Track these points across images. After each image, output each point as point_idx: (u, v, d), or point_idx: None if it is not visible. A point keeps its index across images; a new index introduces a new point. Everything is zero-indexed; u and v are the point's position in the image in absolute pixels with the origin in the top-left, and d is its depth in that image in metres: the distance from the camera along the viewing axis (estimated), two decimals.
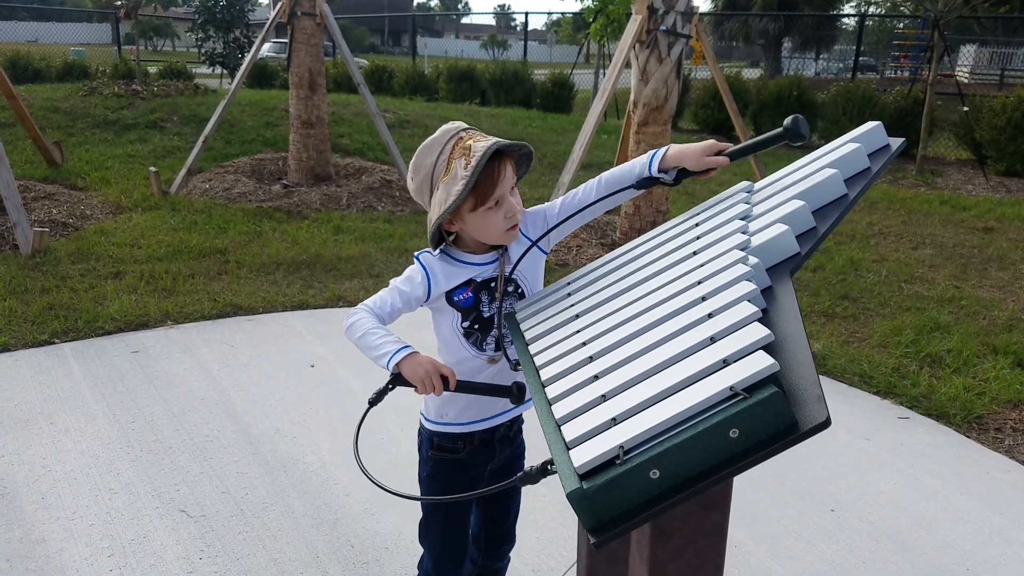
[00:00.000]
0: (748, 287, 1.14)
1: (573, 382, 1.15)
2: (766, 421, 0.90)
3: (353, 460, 3.16)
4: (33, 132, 7.14)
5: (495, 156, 1.55)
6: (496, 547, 2.04)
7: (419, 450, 1.89)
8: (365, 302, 1.66)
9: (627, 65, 6.45)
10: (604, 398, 1.06)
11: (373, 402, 1.56)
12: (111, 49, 20.00)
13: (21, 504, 2.76)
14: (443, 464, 1.83)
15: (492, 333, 1.70)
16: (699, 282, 1.26)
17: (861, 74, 18.22)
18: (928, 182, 9.47)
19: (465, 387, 1.58)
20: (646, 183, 1.63)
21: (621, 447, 0.93)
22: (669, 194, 6.58)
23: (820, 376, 4.02)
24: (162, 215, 6.36)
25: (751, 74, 17.49)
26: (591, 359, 1.19)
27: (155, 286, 4.93)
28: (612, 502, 0.91)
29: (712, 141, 1.63)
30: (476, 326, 1.69)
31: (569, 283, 1.59)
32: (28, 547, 2.54)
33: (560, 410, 1.09)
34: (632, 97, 6.42)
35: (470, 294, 1.68)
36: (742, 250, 1.30)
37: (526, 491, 2.94)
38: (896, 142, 1.52)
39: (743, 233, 1.36)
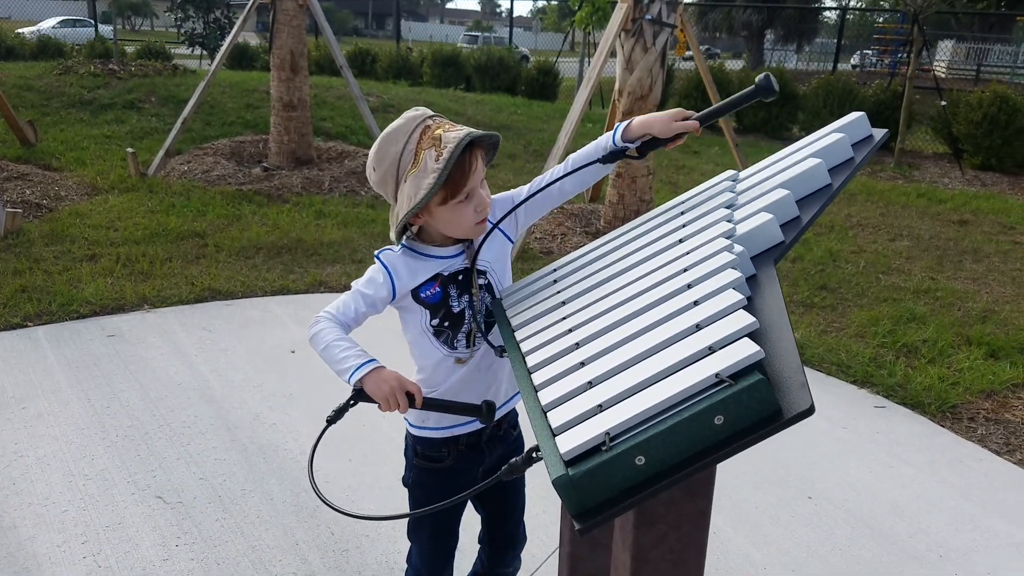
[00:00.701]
0: (733, 275, 1.14)
1: (559, 368, 1.14)
2: (751, 408, 0.90)
3: (333, 446, 3.16)
4: (6, 111, 6.99)
5: (466, 147, 1.46)
6: (502, 552, 1.94)
7: (405, 454, 1.81)
8: (327, 309, 1.57)
9: (612, 54, 6.43)
10: (591, 384, 1.06)
11: (331, 420, 1.47)
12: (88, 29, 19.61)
13: None
14: (428, 473, 1.74)
15: (463, 329, 1.62)
16: (684, 270, 1.26)
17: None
18: (906, 175, 9.58)
19: (432, 405, 1.51)
20: (612, 156, 1.56)
21: (607, 433, 0.92)
22: (653, 184, 6.59)
23: None
24: (139, 197, 6.26)
25: (734, 65, 17.54)
26: (577, 346, 1.19)
27: (132, 269, 4.86)
28: (598, 488, 0.91)
29: (679, 109, 1.56)
30: (446, 323, 1.61)
31: (555, 270, 1.58)
32: None
33: (546, 396, 1.08)
34: (617, 86, 6.41)
35: (437, 289, 1.59)
36: (727, 238, 1.30)
37: None
38: (879, 133, 1.53)
39: (728, 222, 1.36)
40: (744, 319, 1.00)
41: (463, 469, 1.73)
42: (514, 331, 1.37)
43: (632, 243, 1.52)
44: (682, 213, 1.54)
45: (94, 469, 2.87)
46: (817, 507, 2.88)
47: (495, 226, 1.58)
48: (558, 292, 1.44)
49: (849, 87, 11.57)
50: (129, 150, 6.85)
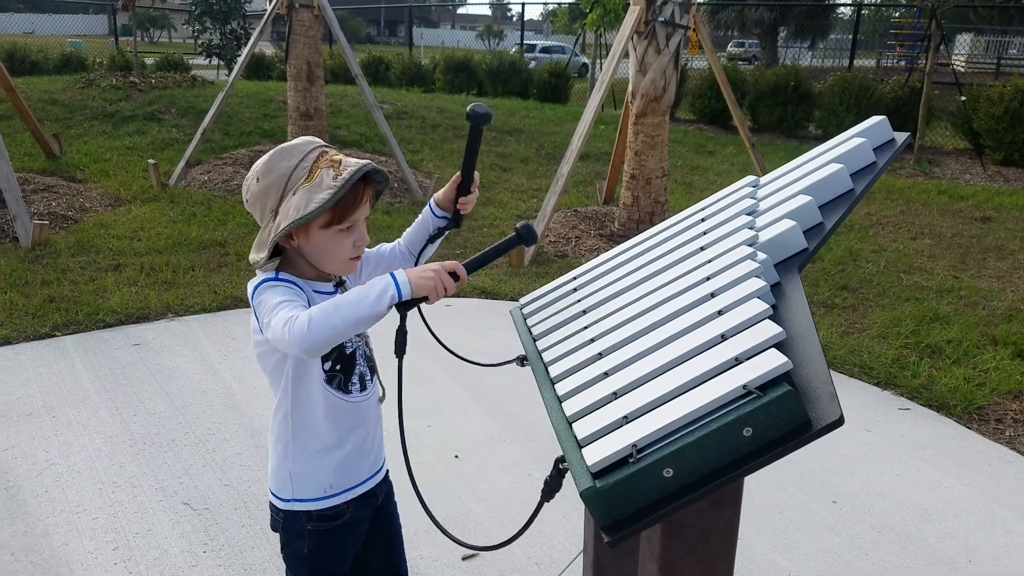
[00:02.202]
0: (758, 284, 1.14)
1: (583, 379, 1.15)
2: (780, 419, 0.90)
3: None
4: (32, 124, 7.11)
5: (361, 179, 1.42)
6: None
7: (281, 530, 1.59)
8: (284, 318, 1.30)
9: (625, 56, 6.43)
10: (615, 395, 1.07)
11: (400, 351, 1.36)
12: (108, 41, 19.89)
13: (25, 498, 2.76)
14: (327, 535, 1.57)
15: (355, 372, 1.53)
16: (707, 278, 1.27)
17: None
18: (926, 172, 9.48)
19: (476, 263, 1.44)
20: (438, 234, 1.69)
21: (634, 445, 0.93)
22: (668, 185, 6.58)
23: None
24: (161, 207, 6.34)
25: (746, 64, 17.45)
26: (600, 355, 1.20)
27: (155, 278, 4.92)
28: (626, 500, 0.91)
29: (453, 178, 1.66)
30: (338, 366, 1.49)
31: (574, 278, 1.59)
32: (33, 540, 2.55)
33: (571, 407, 1.09)
34: (630, 88, 6.41)
35: None
36: (750, 246, 1.30)
37: (528, 484, 2.96)
38: (901, 136, 1.52)
39: (750, 229, 1.36)
40: (771, 329, 1.01)
41: (361, 518, 1.62)
42: (535, 340, 1.37)
43: (652, 251, 1.52)
44: (703, 220, 1.54)
45: (123, 476, 2.91)
46: (842, 511, 2.86)
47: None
48: (578, 301, 1.44)
49: (866, 84, 11.48)
50: (151, 161, 6.94)
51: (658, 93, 6.27)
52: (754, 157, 7.27)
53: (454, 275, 1.34)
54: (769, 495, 2.94)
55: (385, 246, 1.70)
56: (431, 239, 1.70)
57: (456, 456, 3.14)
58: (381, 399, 1.63)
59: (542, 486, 1.14)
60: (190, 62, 15.08)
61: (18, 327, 4.15)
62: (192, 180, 7.10)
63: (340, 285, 1.54)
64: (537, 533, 2.67)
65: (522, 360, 1.41)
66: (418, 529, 2.67)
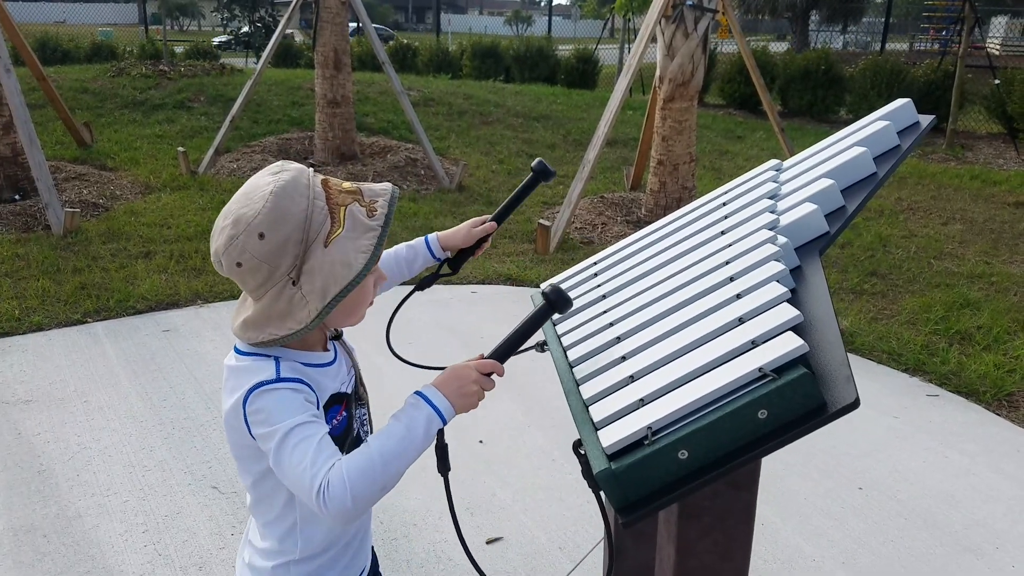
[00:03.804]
0: (777, 267, 1.13)
1: (601, 363, 1.16)
2: (795, 402, 0.90)
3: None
4: (63, 113, 7.24)
5: None
6: None
7: None
8: (317, 468, 1.05)
9: (653, 40, 6.37)
10: (632, 379, 1.07)
11: (444, 471, 1.14)
12: (138, 29, 20.16)
13: (57, 481, 2.84)
14: None
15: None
16: (727, 262, 1.26)
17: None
18: (958, 156, 9.28)
19: (509, 348, 1.16)
20: (429, 280, 1.52)
21: (649, 428, 0.93)
22: (696, 170, 6.52)
23: (848, 353, 4.00)
24: (191, 195, 6.43)
25: (777, 47, 17.17)
26: (619, 339, 1.20)
27: (185, 265, 5.00)
28: (640, 482, 0.92)
29: (474, 218, 1.54)
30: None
31: (595, 263, 1.59)
32: (64, 523, 2.62)
33: (588, 391, 1.10)
34: (658, 72, 6.35)
35: (344, 414, 1.24)
36: (771, 230, 1.29)
37: (552, 469, 2.98)
38: (926, 119, 1.50)
39: (771, 212, 1.35)
40: (788, 312, 1.00)
41: None
42: (555, 325, 1.38)
43: (673, 235, 1.52)
44: (724, 204, 1.53)
45: (153, 460, 2.97)
46: (868, 498, 2.83)
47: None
48: (599, 285, 1.45)
49: (898, 67, 11.24)
50: (180, 149, 7.04)
51: (686, 78, 6.21)
52: (783, 142, 7.18)
53: (489, 374, 1.14)
54: (794, 481, 2.92)
55: None
56: (420, 286, 1.49)
57: (481, 441, 3.17)
58: None
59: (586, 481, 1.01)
60: (219, 51, 15.21)
61: (50, 314, 4.25)
62: (221, 168, 7.18)
63: (337, 338, 1.30)
64: (560, 518, 2.69)
65: (542, 346, 1.38)
66: (442, 512, 2.71)
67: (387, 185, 1.18)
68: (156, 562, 2.44)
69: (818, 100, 11.87)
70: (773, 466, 2.99)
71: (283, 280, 1.09)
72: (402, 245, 1.52)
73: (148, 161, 7.25)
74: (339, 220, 1.10)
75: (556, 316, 1.41)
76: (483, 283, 4.88)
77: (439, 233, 1.53)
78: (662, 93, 6.36)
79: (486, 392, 1.14)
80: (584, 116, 10.67)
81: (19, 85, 5.59)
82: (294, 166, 1.14)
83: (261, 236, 1.07)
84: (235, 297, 4.59)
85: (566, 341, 1.29)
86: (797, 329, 1.02)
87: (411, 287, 1.55)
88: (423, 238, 1.53)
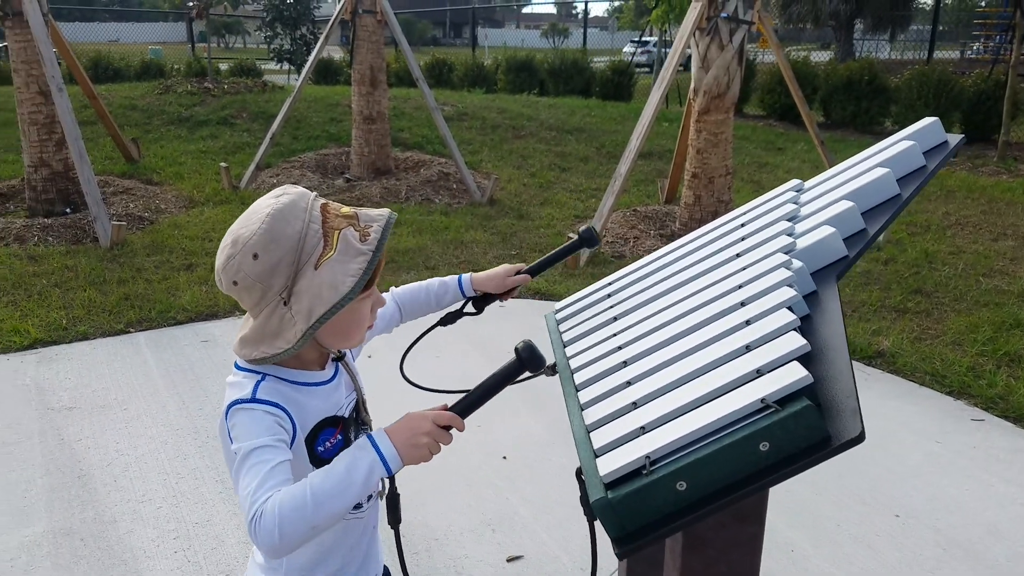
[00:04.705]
0: (788, 293, 1.11)
1: (606, 387, 1.14)
2: (797, 435, 0.88)
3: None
4: (112, 130, 7.48)
5: None
6: None
7: None
8: (257, 496, 1.03)
9: (688, 52, 6.34)
10: (635, 405, 1.06)
11: (395, 518, 1.17)
12: (186, 47, 20.78)
13: (95, 486, 2.91)
14: None
15: None
16: (740, 286, 1.24)
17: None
18: (1010, 169, 9.00)
19: (472, 404, 1.12)
20: (453, 316, 1.55)
21: (647, 457, 0.92)
22: (732, 183, 6.45)
23: (888, 374, 3.91)
24: (232, 209, 6.57)
25: (821, 57, 16.92)
26: (625, 364, 1.19)
27: None
28: (638, 512, 0.90)
29: (506, 265, 1.58)
30: None
31: (610, 283, 1.58)
32: (101, 527, 2.68)
33: (591, 416, 1.09)
34: (693, 85, 6.32)
35: (339, 437, 1.22)
36: (786, 253, 1.27)
37: (575, 487, 2.95)
38: (955, 139, 1.45)
39: (788, 235, 1.33)
40: (795, 341, 0.98)
41: None
42: (565, 346, 1.37)
43: (689, 257, 1.50)
44: (742, 225, 1.51)
45: (186, 468, 3.03)
46: (904, 526, 2.75)
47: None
48: (611, 307, 1.43)
49: (946, 77, 10.97)
50: (222, 165, 7.21)
51: (721, 90, 6.16)
52: (823, 154, 7.05)
53: (446, 427, 1.09)
54: (827, 507, 2.85)
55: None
56: (443, 322, 1.51)
57: (504, 457, 3.16)
58: (381, 494, 1.35)
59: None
60: (262, 67, 15.57)
61: (95, 323, 4.38)
62: (262, 183, 7.34)
63: (340, 359, 1.29)
64: (581, 538, 2.66)
65: (552, 368, 1.37)
66: (463, 528, 2.70)
67: (384, 211, 1.19)
68: (185, 568, 2.49)
69: (862, 111, 11.64)
70: (805, 491, 2.93)
71: (276, 300, 1.12)
72: (436, 280, 1.56)
73: (192, 176, 7.44)
74: (332, 243, 1.11)
75: (567, 338, 1.40)
76: (513, 298, 4.87)
77: (474, 275, 1.55)
78: (697, 105, 6.31)
79: (442, 446, 1.09)
80: (618, 128, 10.64)
81: (70, 104, 5.80)
82: (296, 190, 1.17)
83: (255, 256, 1.10)
84: None
85: (574, 364, 1.28)
86: (808, 357, 1.00)
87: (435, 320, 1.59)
88: (457, 276, 1.55)
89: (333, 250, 1.10)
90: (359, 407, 1.30)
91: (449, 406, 1.10)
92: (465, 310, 1.56)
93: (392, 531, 1.17)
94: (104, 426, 3.33)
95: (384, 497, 1.14)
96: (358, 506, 1.30)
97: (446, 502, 2.84)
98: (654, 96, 6.43)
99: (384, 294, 1.52)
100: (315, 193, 1.19)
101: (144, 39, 28.77)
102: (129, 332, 4.32)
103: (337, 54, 17.24)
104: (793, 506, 2.85)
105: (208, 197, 6.88)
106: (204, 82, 10.55)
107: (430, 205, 6.99)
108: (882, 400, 3.67)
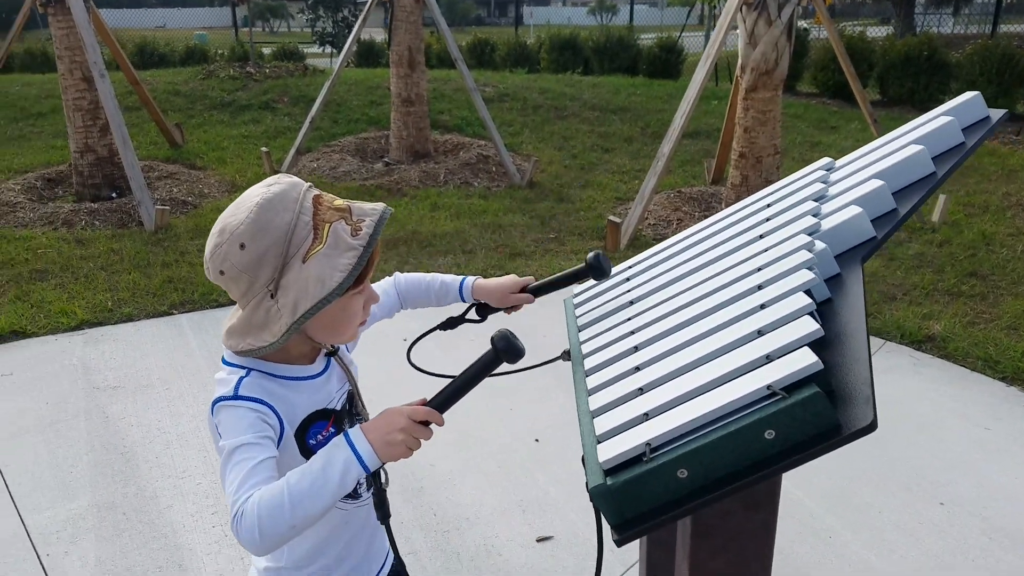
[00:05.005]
0: (807, 276, 1.07)
1: (614, 373, 1.12)
2: (805, 422, 0.84)
3: (436, 431, 3.22)
4: (156, 115, 7.63)
5: None
6: None
7: None
8: (239, 494, 1.02)
9: (734, 28, 6.18)
10: (641, 391, 1.03)
11: (384, 513, 1.09)
12: (231, 32, 21.07)
13: (138, 462, 3.00)
14: None
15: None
16: (759, 269, 1.20)
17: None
18: None
19: (450, 398, 1.09)
20: (454, 322, 1.50)
21: (648, 444, 0.89)
22: (781, 163, 6.28)
23: (939, 359, 3.77)
24: None
25: (879, 32, 16.31)
26: (636, 349, 1.16)
27: None
28: (637, 499, 0.88)
29: (514, 277, 1.50)
30: None
31: (630, 267, 1.54)
32: (142, 502, 2.77)
33: (596, 401, 1.06)
34: (740, 61, 6.16)
35: (331, 430, 1.21)
36: (810, 234, 1.22)
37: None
38: (997, 113, 1.37)
39: (814, 216, 1.27)
40: (807, 326, 0.94)
41: None
42: (580, 331, 1.34)
43: (712, 238, 1.46)
44: (768, 205, 1.45)
45: None
46: (950, 513, 2.66)
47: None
48: (628, 291, 1.40)
49: (1010, 52, 10.46)
50: (264, 149, 7.30)
51: (769, 66, 6.00)
52: (876, 133, 6.81)
53: (425, 422, 1.06)
54: (868, 493, 2.78)
55: (377, 289, 1.43)
56: (444, 326, 1.49)
57: (536, 440, 3.15)
58: (384, 486, 1.29)
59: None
60: (304, 51, 15.70)
61: (140, 305, 4.50)
62: (302, 167, 7.41)
63: (333, 353, 1.27)
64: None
65: (566, 354, 1.34)
66: (494, 509, 2.71)
67: (379, 205, 1.15)
68: (222, 542, 2.55)
69: (920, 88, 11.19)
70: (845, 476, 2.86)
71: (263, 292, 1.09)
72: (439, 278, 1.52)
73: (234, 161, 7.56)
74: (321, 237, 1.08)
75: (581, 323, 1.37)
76: None
77: (479, 281, 1.49)
78: (744, 83, 6.15)
79: (422, 441, 1.05)
80: (665, 107, 10.43)
81: (113, 89, 5.92)
82: (288, 180, 1.13)
83: (242, 246, 1.08)
84: None
85: (585, 349, 1.25)
86: (822, 342, 0.96)
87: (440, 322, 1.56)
88: (461, 279, 1.51)
89: (322, 244, 1.08)
90: (352, 399, 1.28)
91: (427, 400, 1.07)
92: (468, 317, 1.52)
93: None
94: (147, 405, 3.43)
95: (373, 492, 1.11)
96: (356, 496, 1.28)
97: (478, 483, 2.85)
98: (699, 73, 6.29)
99: (388, 278, 1.52)
100: (309, 184, 1.15)
101: (190, 24, 29.27)
102: (172, 314, 4.43)
103: (379, 36, 17.28)
104: (833, 491, 2.78)
105: (250, 181, 6.97)
106: (246, 67, 10.67)
107: (469, 188, 6.97)
108: (931, 385, 3.56)
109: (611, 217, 5.66)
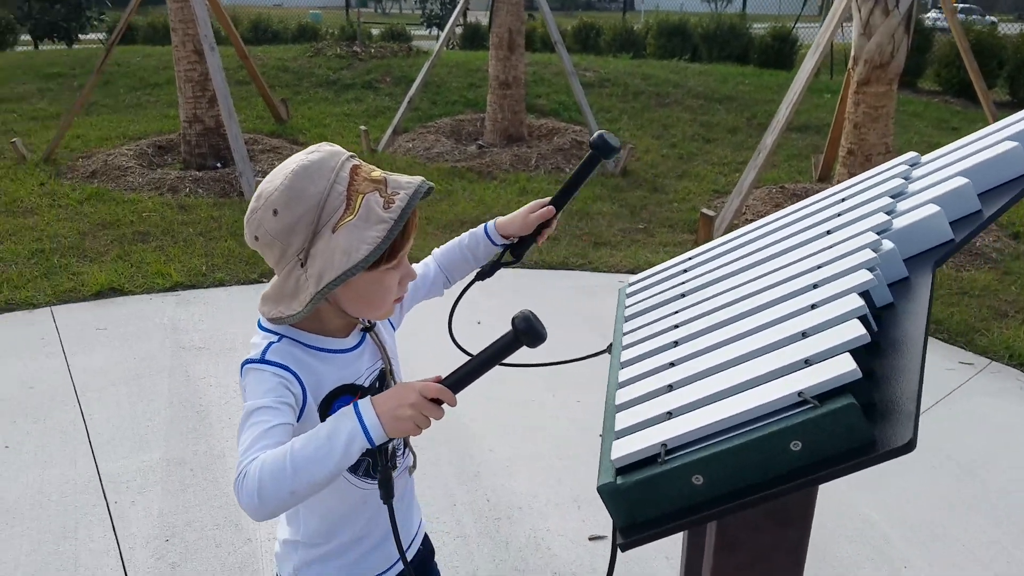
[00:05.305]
0: (864, 277, 0.97)
1: (649, 367, 1.06)
2: (836, 435, 0.76)
3: (500, 417, 3.23)
4: (263, 90, 7.93)
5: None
6: None
7: None
8: (247, 456, 1.00)
9: (848, 18, 5.86)
10: (671, 388, 0.97)
11: (388, 492, 1.08)
12: (343, 12, 21.65)
13: (211, 421, 3.13)
14: None
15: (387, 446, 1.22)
16: (819, 266, 1.11)
17: None
18: None
19: (465, 379, 1.04)
20: (490, 269, 1.45)
21: (664, 445, 0.84)
22: (892, 130, 5.91)
23: None
24: None
25: (1013, 29, 15.09)
26: (675, 343, 1.09)
27: None
28: (648, 502, 0.83)
29: (532, 202, 1.42)
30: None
31: (690, 258, 1.46)
32: (210, 460, 2.89)
33: (623, 396, 1.01)
34: (852, 53, 5.87)
35: None
36: (879, 233, 1.12)
37: None
38: None
39: (887, 213, 1.17)
40: (854, 330, 0.85)
41: None
42: (626, 322, 1.29)
43: (779, 231, 1.36)
44: (843, 200, 1.35)
45: None
46: None
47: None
48: (682, 283, 1.33)
49: None
50: (362, 128, 7.48)
51: (884, 59, 5.66)
52: (990, 114, 6.31)
53: (438, 400, 1.02)
54: (956, 527, 2.59)
55: (417, 267, 1.44)
56: (481, 275, 1.45)
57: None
58: (412, 468, 1.35)
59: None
60: (412, 32, 15.96)
61: (232, 272, 4.69)
62: (398, 147, 7.54)
63: (369, 329, 1.26)
64: None
65: (611, 347, 1.28)
66: (549, 501, 2.68)
67: (416, 179, 1.12)
68: None
69: None
70: (933, 504, 2.66)
71: (294, 260, 1.08)
72: (465, 234, 1.48)
73: (335, 138, 7.76)
74: (353, 207, 1.06)
75: (628, 313, 1.31)
76: (633, 273, 4.75)
77: (499, 219, 1.44)
78: (856, 75, 5.83)
79: (432, 420, 1.01)
80: (774, 98, 10.01)
81: (221, 62, 6.17)
82: (328, 148, 1.12)
83: (275, 213, 1.08)
84: None
85: (626, 340, 1.20)
86: (871, 351, 0.87)
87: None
88: (483, 225, 1.46)
89: (353, 214, 1.06)
90: (384, 378, 1.26)
91: (441, 378, 1.04)
92: (503, 260, 1.45)
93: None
94: (228, 367, 3.57)
95: (380, 472, 1.08)
96: (375, 475, 1.26)
97: (535, 473, 2.83)
98: (808, 62, 6.00)
99: (427, 257, 1.49)
100: (351, 154, 1.14)
101: (306, 3, 30.22)
102: (262, 282, 4.59)
103: (486, 19, 17.38)
104: (916, 520, 2.60)
105: None
106: (353, 46, 10.94)
107: (559, 174, 6.91)
108: None
109: (704, 210, 5.48)
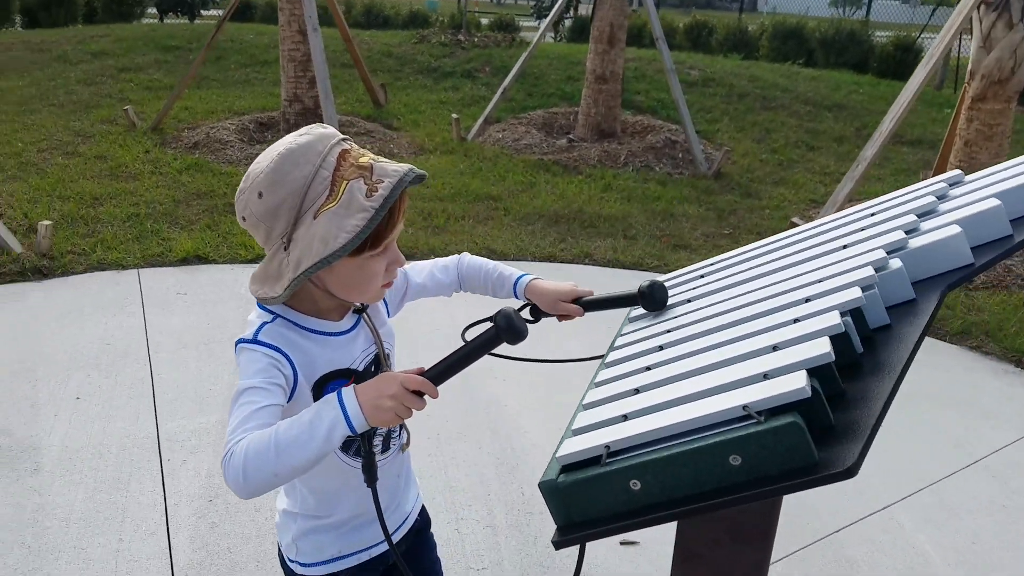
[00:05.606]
0: (853, 295, 0.93)
1: (625, 369, 1.05)
2: (776, 453, 0.74)
3: (548, 415, 3.22)
4: (364, 74, 8.16)
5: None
6: None
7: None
8: (234, 435, 1.04)
9: (967, 29, 5.53)
10: (637, 391, 0.96)
11: (372, 476, 1.10)
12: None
13: None
14: None
15: (379, 431, 1.29)
16: (819, 281, 1.07)
17: None
18: None
19: (446, 371, 1.07)
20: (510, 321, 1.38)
21: (607, 447, 0.83)
22: (1007, 150, 5.55)
23: None
24: (454, 160, 6.92)
25: None
26: (660, 348, 1.08)
27: (430, 223, 5.42)
28: (586, 503, 0.82)
29: (571, 285, 1.37)
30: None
31: (711, 264, 1.43)
32: None
33: (593, 395, 1.01)
34: (970, 67, 5.55)
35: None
36: (891, 252, 1.06)
37: None
38: None
39: (906, 232, 1.11)
40: (818, 348, 0.82)
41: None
42: (629, 323, 1.27)
43: (803, 242, 1.32)
44: (873, 215, 1.29)
45: None
46: None
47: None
48: (693, 288, 1.30)
49: None
50: (454, 116, 7.59)
51: (1004, 75, 5.32)
52: None
53: (419, 392, 1.03)
54: (1006, 555, 2.40)
55: (416, 268, 1.46)
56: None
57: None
58: (405, 446, 1.38)
59: None
60: (521, 23, 16.03)
61: None
62: (488, 137, 7.62)
63: (361, 311, 1.27)
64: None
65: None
66: None
67: (403, 166, 1.10)
68: None
69: None
70: (981, 527, 2.49)
71: (278, 243, 1.09)
72: (499, 269, 1.46)
73: (428, 124, 7.92)
74: (336, 194, 1.05)
75: (631, 315, 1.30)
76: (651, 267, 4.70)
77: (536, 281, 1.42)
78: (971, 91, 5.51)
79: (413, 411, 1.02)
80: (887, 109, 9.51)
81: (323, 44, 6.39)
82: (319, 131, 1.11)
83: (260, 195, 1.08)
84: None
85: (618, 343, 1.19)
86: (851, 372, 0.84)
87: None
88: (519, 276, 1.44)
89: (335, 201, 1.05)
90: (379, 362, 1.27)
91: (424, 370, 1.05)
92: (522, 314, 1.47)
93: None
94: None
95: (362, 455, 1.10)
96: (386, 448, 1.31)
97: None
98: (919, 74, 5.69)
99: (454, 256, 1.50)
100: (342, 137, 1.13)
101: None
102: None
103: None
104: (962, 543, 2.46)
105: (437, 146, 7.28)
106: (458, 34, 11.11)
107: (648, 172, 6.82)
108: None
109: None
